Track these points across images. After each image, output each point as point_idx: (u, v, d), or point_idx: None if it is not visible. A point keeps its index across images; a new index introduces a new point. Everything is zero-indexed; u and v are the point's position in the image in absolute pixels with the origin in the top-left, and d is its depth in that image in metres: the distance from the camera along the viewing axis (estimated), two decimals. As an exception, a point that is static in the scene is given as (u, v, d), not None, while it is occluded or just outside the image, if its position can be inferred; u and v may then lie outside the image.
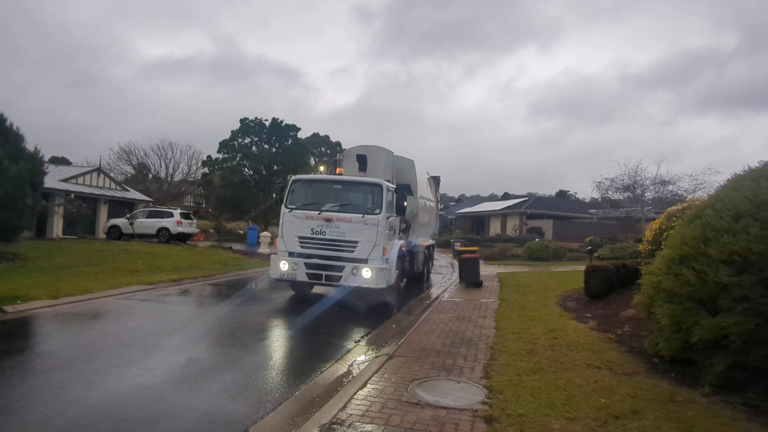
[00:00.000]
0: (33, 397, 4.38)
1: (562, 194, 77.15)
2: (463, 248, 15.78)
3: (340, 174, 11.41)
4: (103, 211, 27.31)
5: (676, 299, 5.17)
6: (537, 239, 29.87)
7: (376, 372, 5.26)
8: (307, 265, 9.80)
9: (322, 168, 12.77)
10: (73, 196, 23.42)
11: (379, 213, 9.74)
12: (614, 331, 7.25)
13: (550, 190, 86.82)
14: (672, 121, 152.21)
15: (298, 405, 4.53)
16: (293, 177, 11.07)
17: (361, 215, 9.70)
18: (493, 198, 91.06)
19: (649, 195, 26.52)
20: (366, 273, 9.49)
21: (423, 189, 13.70)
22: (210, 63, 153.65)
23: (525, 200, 48.14)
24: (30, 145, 14.55)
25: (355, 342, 7.21)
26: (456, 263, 19.55)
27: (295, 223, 9.98)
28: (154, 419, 4.04)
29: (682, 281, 5.12)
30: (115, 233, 23.59)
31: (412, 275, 13.36)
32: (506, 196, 77.58)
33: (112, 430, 3.82)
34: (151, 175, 53.83)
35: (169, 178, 52.23)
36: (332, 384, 5.15)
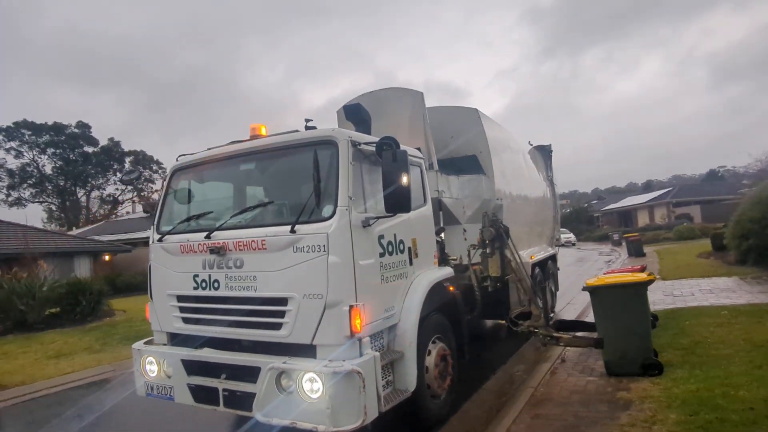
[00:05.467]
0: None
1: (712, 174, 76.42)
2: (627, 234, 24.20)
3: (258, 137, 4.67)
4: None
5: (735, 236, 13.64)
6: (685, 223, 35.75)
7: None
8: (189, 368, 4.27)
9: (262, 130, 4.74)
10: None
11: (331, 215, 3.83)
12: (721, 259, 15.52)
13: (700, 169, 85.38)
14: None
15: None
16: (174, 164, 5.01)
17: (288, 228, 3.87)
18: (631, 187, 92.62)
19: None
20: (309, 388, 3.60)
21: (513, 164, 8.55)
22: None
23: (669, 190, 52.34)
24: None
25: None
26: (616, 249, 28.18)
27: (169, 266, 4.56)
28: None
29: (737, 228, 13.57)
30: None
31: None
32: (648, 186, 79.60)
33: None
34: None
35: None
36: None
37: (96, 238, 28.23)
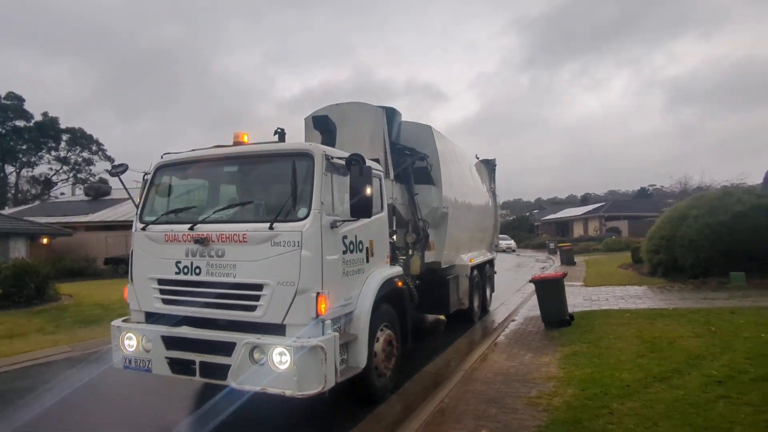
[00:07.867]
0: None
1: (642, 192, 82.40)
2: (561, 244, 26.20)
3: (240, 144, 5.32)
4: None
5: (648, 250, 15.47)
6: (613, 236, 38.87)
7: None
8: (168, 343, 4.81)
9: (245, 137, 5.39)
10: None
11: (305, 216, 4.50)
12: (637, 270, 17.45)
13: (635, 186, 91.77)
14: None
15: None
16: (159, 161, 5.54)
17: (267, 226, 4.52)
18: (571, 199, 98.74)
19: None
20: (278, 360, 4.29)
21: (459, 176, 9.14)
22: (355, 90, 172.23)
23: (603, 205, 56.32)
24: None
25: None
26: (551, 257, 30.26)
27: (151, 253, 5.07)
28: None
29: (650, 244, 15.40)
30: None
31: (450, 315, 8.72)
32: (585, 199, 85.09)
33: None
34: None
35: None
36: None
37: (31, 219, 26.92)
